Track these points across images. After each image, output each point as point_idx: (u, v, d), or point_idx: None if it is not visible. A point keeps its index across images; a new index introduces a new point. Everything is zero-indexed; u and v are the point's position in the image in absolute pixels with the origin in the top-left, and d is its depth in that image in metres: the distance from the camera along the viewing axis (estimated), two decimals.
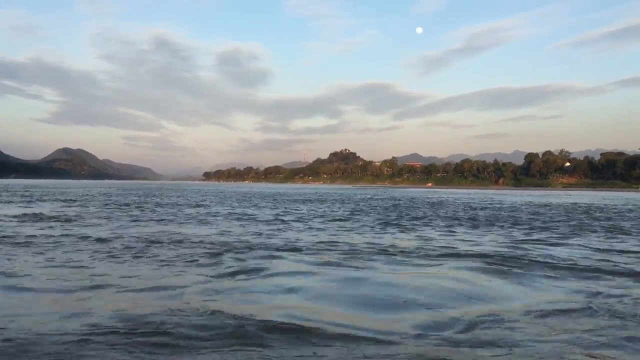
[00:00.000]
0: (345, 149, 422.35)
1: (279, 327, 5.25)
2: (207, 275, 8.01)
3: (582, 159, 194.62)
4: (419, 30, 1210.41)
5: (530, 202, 46.61)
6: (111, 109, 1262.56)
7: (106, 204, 30.19)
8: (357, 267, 9.07)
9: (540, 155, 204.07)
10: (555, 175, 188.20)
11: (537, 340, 5.05)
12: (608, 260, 10.36)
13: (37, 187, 79.91)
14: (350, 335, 5.07)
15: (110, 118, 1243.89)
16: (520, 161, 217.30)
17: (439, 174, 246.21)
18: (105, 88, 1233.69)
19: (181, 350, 4.56)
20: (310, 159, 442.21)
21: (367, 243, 12.73)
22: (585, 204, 43.11)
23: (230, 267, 8.82)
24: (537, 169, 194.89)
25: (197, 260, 9.42)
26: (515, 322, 5.68)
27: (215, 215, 21.69)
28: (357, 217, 22.68)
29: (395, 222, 19.97)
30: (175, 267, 8.71)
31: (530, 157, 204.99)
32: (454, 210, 29.07)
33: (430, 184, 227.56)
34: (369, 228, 17.14)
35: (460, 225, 19.00)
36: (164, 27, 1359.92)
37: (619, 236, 15.63)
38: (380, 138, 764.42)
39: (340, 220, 20.61)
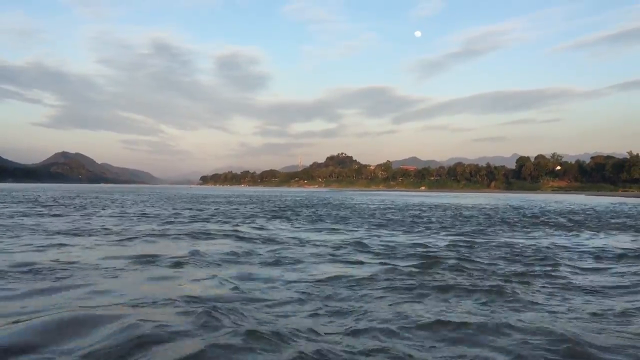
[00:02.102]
0: (342, 153, 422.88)
1: None
2: None
3: (573, 162, 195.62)
4: (418, 33, 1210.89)
5: (422, 202, 53.45)
6: (110, 113, 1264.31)
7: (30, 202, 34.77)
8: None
9: (533, 159, 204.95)
10: (546, 178, 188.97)
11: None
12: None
13: (11, 190, 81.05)
14: None
15: (110, 122, 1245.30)
16: None
17: (432, 178, 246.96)
18: (104, 92, 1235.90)
19: None
20: (308, 162, 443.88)
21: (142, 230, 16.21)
22: (490, 205, 46.11)
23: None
24: (528, 173, 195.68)
25: None
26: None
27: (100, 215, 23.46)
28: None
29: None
30: None
31: (522, 161, 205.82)
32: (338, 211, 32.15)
33: (423, 188, 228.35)
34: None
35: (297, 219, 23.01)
36: (163, 31, 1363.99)
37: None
38: (379, 142, 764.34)
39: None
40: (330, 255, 10.96)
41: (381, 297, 6.82)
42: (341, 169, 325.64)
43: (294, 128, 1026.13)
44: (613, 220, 25.05)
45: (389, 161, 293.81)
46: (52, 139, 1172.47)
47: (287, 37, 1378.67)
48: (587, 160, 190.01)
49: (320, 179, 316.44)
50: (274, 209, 33.22)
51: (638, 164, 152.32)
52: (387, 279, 7.97)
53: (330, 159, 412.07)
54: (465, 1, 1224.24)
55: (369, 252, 11.67)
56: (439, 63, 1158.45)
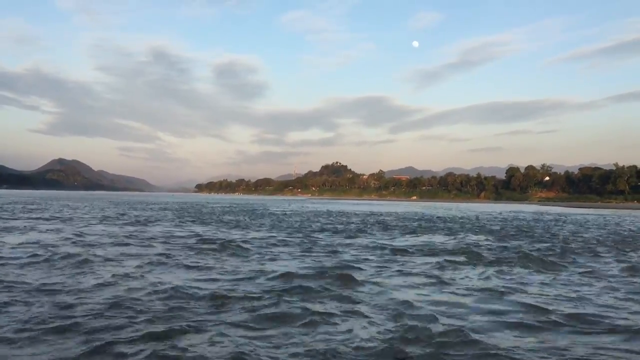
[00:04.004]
0: (337, 162, 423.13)
1: None
2: None
3: (563, 173, 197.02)
4: (416, 43, 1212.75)
5: (341, 209, 61.28)
6: (108, 120, 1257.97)
7: None
8: None
9: (523, 170, 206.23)
10: (535, 189, 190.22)
11: None
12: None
13: None
14: None
15: (107, 129, 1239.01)
16: None
17: (424, 188, 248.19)
18: (102, 99, 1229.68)
19: None
20: (304, 171, 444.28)
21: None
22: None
23: None
24: (517, 183, 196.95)
25: None
26: None
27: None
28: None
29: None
30: None
31: (512, 171, 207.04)
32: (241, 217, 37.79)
33: (414, 197, 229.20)
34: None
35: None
36: (162, 39, 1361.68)
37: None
38: (375, 151, 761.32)
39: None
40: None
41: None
42: (335, 178, 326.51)
43: (291, 137, 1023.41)
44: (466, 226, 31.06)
45: (381, 171, 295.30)
46: (49, 145, 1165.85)
47: (285, 46, 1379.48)
48: (573, 171, 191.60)
49: (313, 188, 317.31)
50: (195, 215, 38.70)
51: (623, 175, 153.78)
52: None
53: (325, 167, 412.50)
54: (463, 12, 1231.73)
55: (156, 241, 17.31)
56: (436, 73, 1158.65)
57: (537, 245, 18.49)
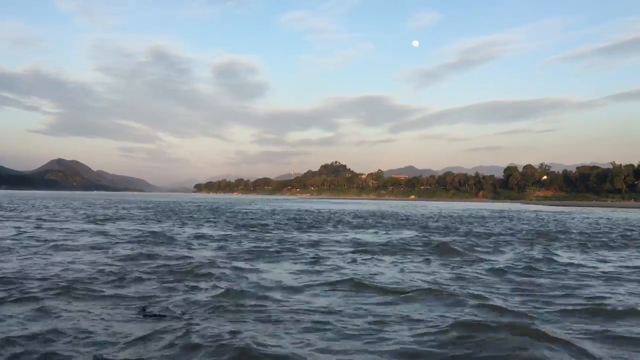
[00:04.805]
0: (336, 162, 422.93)
1: None
2: None
3: (561, 172, 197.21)
4: (416, 43, 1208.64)
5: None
6: (108, 121, 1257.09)
7: None
8: None
9: (522, 169, 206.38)
10: (532, 188, 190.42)
11: None
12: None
13: None
14: None
15: (107, 129, 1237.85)
16: None
17: (422, 187, 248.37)
18: (102, 100, 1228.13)
19: None
20: (302, 171, 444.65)
21: None
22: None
23: None
24: (515, 182, 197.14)
25: None
26: None
27: None
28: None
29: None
30: None
31: (510, 171, 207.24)
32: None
33: (413, 197, 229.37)
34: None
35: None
36: (162, 39, 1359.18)
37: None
38: (375, 151, 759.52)
39: None
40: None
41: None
42: (334, 178, 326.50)
43: (290, 137, 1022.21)
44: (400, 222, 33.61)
45: (380, 170, 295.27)
46: (48, 146, 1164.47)
47: (285, 46, 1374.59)
48: (571, 170, 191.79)
49: (312, 188, 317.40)
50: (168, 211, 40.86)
51: (620, 174, 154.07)
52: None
53: (325, 167, 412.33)
54: (462, 12, 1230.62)
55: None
56: (436, 73, 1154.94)
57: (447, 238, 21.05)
